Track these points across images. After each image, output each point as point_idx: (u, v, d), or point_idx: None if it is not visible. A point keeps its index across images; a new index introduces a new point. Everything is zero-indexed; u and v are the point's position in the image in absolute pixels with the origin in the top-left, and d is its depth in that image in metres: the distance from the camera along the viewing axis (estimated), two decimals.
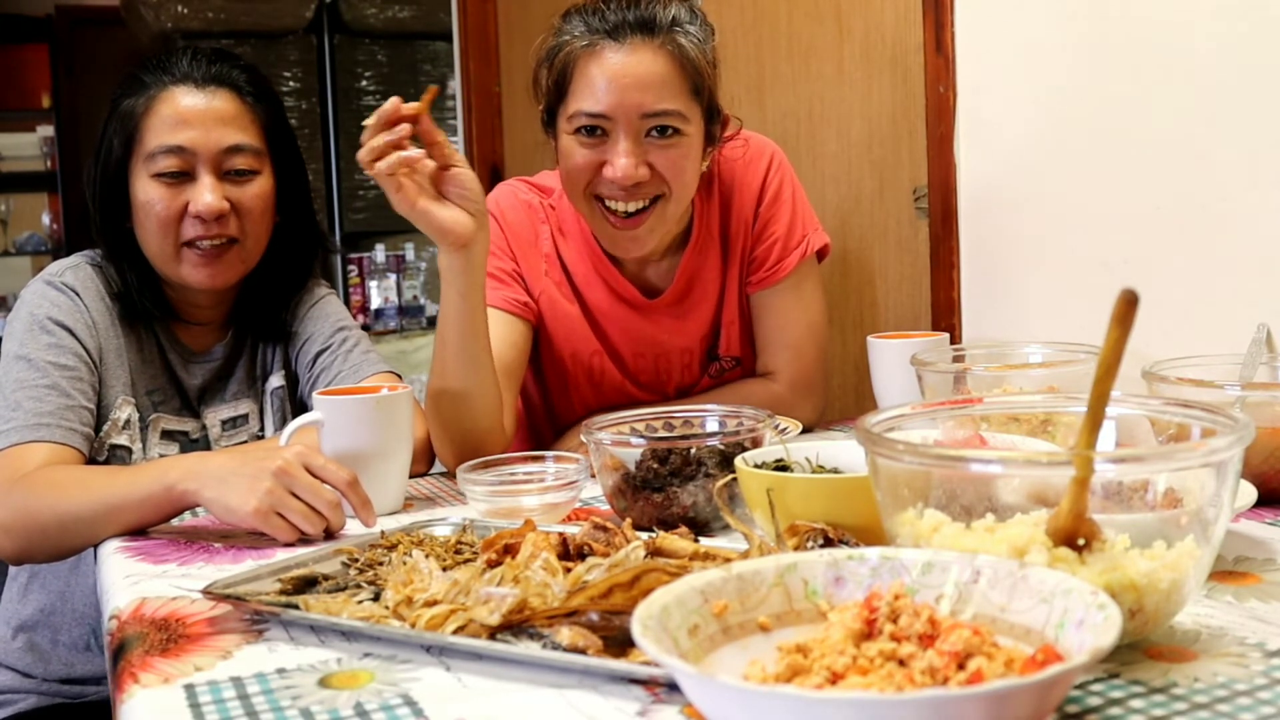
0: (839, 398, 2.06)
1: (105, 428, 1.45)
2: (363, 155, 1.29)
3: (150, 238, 1.46)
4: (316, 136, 4.56)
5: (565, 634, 0.80)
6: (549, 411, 1.70)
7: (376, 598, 0.93)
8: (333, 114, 4.63)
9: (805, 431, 1.50)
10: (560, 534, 0.97)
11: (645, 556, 0.90)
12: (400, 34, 4.69)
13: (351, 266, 4.56)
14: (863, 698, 0.58)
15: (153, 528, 1.25)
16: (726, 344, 1.65)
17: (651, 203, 1.49)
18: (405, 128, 1.29)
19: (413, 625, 0.85)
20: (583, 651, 0.79)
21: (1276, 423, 1.11)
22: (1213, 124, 1.41)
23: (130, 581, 1.07)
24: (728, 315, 1.64)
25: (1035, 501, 0.80)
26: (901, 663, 0.63)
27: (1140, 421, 0.94)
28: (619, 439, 1.18)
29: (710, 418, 1.25)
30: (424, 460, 1.47)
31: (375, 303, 4.54)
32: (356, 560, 1.02)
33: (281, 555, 1.10)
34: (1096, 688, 0.73)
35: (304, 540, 1.16)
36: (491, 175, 3.33)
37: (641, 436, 1.21)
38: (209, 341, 1.57)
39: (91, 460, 1.41)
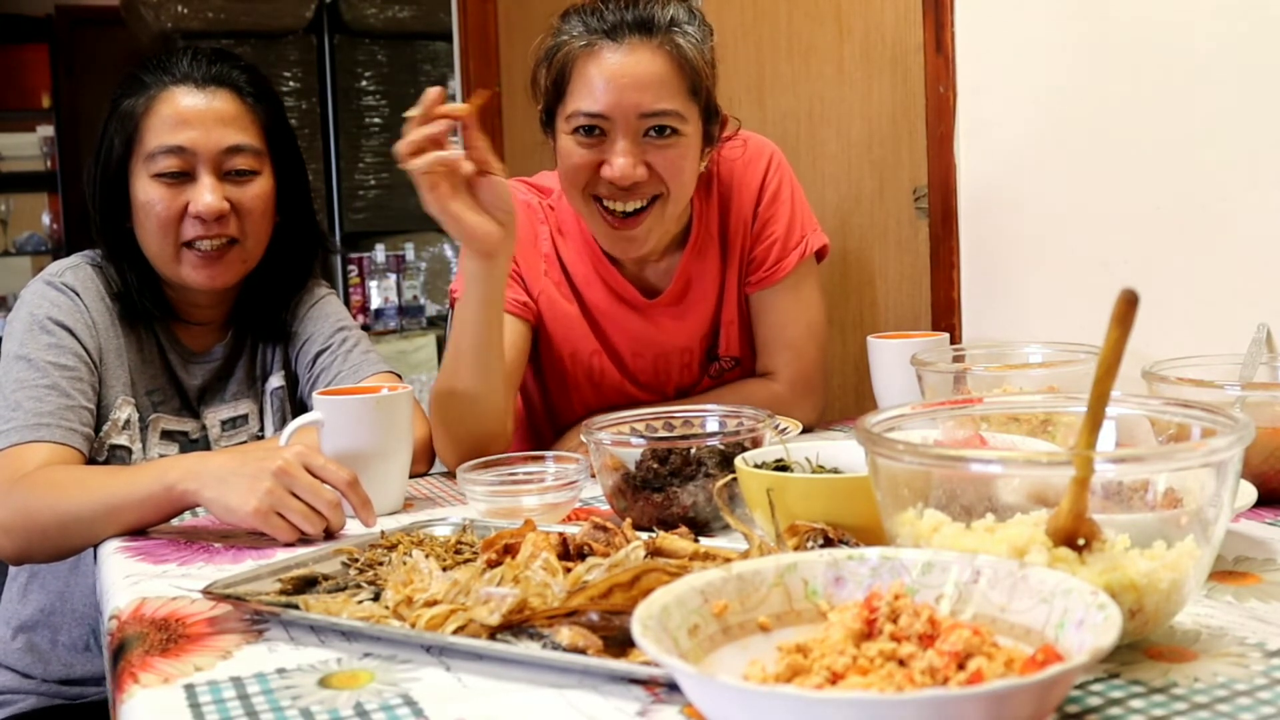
0: (839, 398, 2.06)
1: (105, 428, 1.45)
2: (401, 148, 1.28)
3: (150, 238, 1.46)
4: (316, 136, 4.56)
5: (565, 634, 0.80)
6: (549, 411, 1.70)
7: (376, 598, 0.93)
8: (333, 114, 4.63)
9: (805, 431, 1.50)
10: (560, 534, 0.97)
11: (645, 556, 0.90)
12: (400, 34, 4.69)
13: (351, 266, 4.56)
14: (863, 698, 0.58)
15: (153, 528, 1.25)
16: (726, 344, 1.65)
17: (649, 203, 1.49)
18: (446, 123, 1.29)
19: (413, 625, 0.85)
20: (583, 651, 0.79)
21: (1276, 423, 1.11)
22: (1213, 124, 1.41)
23: (130, 581, 1.07)
24: (726, 315, 1.64)
25: (1035, 501, 0.80)
26: (901, 663, 0.63)
27: (1140, 421, 0.94)
28: (619, 439, 1.18)
29: (710, 418, 1.25)
30: (424, 460, 1.47)
31: (375, 303, 4.54)
32: (356, 560, 1.02)
33: (281, 555, 1.10)
34: (1096, 688, 0.73)
35: (304, 540, 1.16)
36: None
37: (641, 436, 1.21)
38: (209, 342, 1.57)
39: (91, 460, 1.41)
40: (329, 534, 1.18)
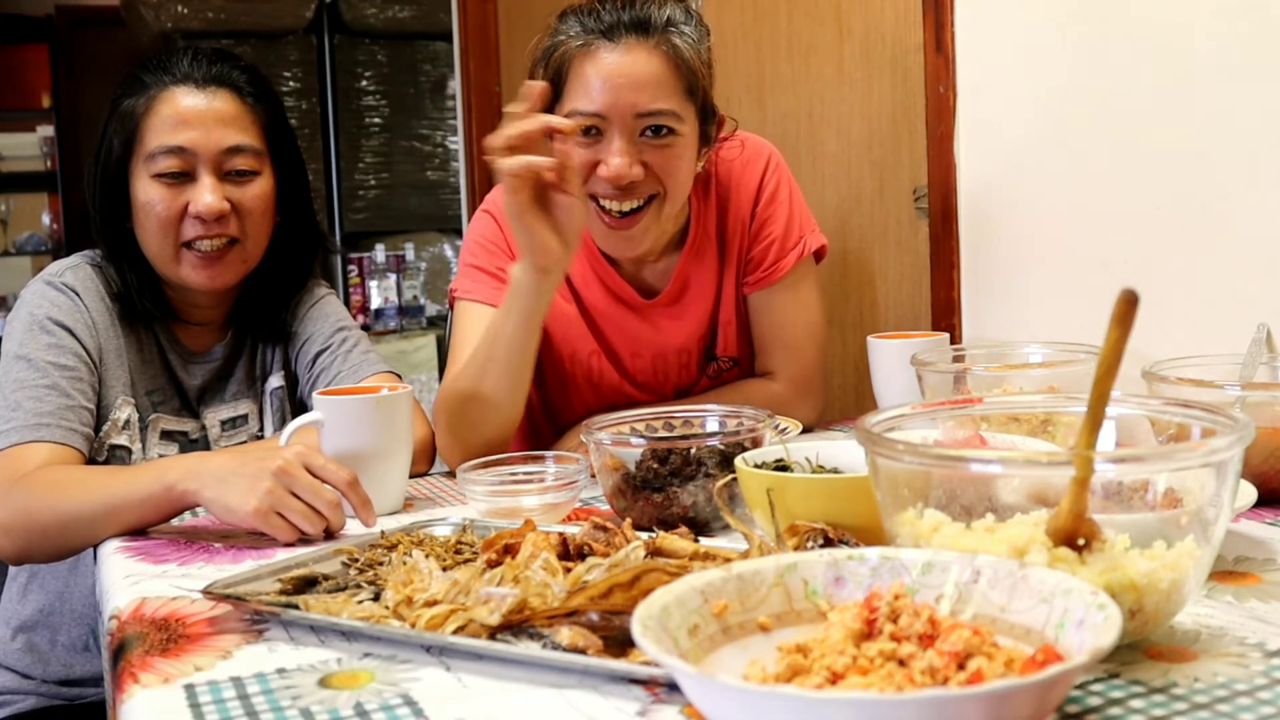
0: (839, 398, 2.06)
1: (105, 428, 1.45)
2: (496, 142, 1.29)
3: (150, 238, 1.46)
4: (316, 136, 4.56)
5: (565, 634, 0.80)
6: (549, 411, 1.70)
7: (376, 598, 0.93)
8: (333, 114, 4.63)
9: (805, 431, 1.50)
10: (560, 534, 0.97)
11: (645, 556, 0.90)
12: (400, 34, 4.69)
13: (351, 266, 4.56)
14: (863, 698, 0.58)
15: (153, 528, 1.25)
16: (724, 344, 1.65)
17: (646, 202, 1.49)
18: (542, 120, 1.30)
19: (413, 625, 0.85)
20: (583, 651, 0.79)
21: (1276, 423, 1.11)
22: (1213, 124, 1.41)
23: (130, 581, 1.07)
24: (724, 315, 1.64)
25: (1035, 501, 0.80)
26: (901, 663, 0.63)
27: (1140, 421, 0.94)
28: (619, 439, 1.18)
29: (710, 418, 1.25)
30: (424, 460, 1.47)
31: (375, 303, 4.54)
32: (356, 560, 1.02)
33: (281, 555, 1.10)
34: (1096, 688, 0.73)
35: (304, 540, 1.16)
36: (492, 175, 3.33)
37: (641, 436, 1.21)
38: (209, 342, 1.57)
39: (91, 460, 1.41)
40: (329, 534, 1.18)
